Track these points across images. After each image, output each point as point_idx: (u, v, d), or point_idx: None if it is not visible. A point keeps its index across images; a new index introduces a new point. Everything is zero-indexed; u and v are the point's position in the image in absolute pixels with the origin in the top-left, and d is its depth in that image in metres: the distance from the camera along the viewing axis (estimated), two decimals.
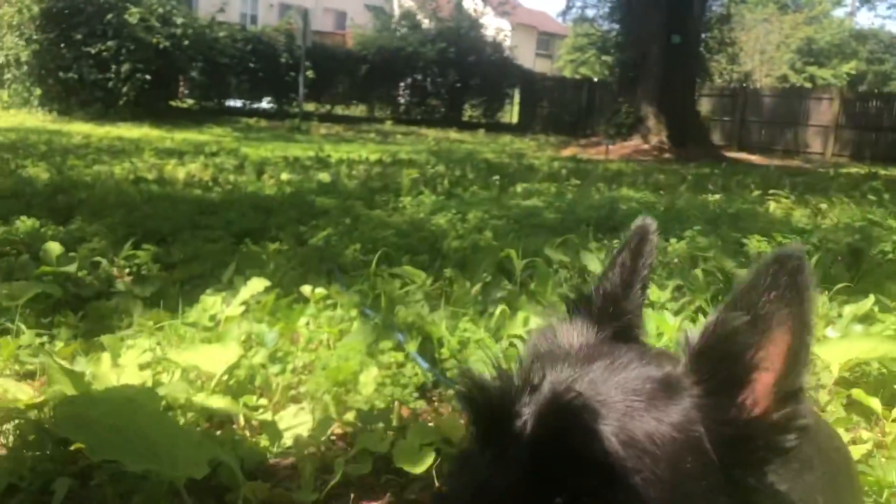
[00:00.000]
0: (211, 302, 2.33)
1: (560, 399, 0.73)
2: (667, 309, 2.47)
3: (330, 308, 2.42)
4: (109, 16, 17.86)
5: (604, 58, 29.36)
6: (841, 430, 1.70)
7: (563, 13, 32.96)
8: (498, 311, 2.23)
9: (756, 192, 8.13)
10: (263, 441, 1.62)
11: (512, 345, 2.12)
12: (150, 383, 1.75)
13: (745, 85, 33.29)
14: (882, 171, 17.44)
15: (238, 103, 24.24)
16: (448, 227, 4.21)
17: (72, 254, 3.10)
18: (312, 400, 1.75)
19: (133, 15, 18.16)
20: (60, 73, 17.68)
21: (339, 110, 27.80)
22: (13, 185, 5.20)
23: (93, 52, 17.67)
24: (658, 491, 0.71)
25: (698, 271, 2.67)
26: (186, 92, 22.52)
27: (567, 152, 18.17)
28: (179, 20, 19.06)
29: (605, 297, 0.89)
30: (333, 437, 1.70)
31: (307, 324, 2.26)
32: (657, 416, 0.73)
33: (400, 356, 1.97)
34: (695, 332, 0.77)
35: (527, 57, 48.34)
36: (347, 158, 11.18)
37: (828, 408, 1.90)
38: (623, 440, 0.71)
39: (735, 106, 26.28)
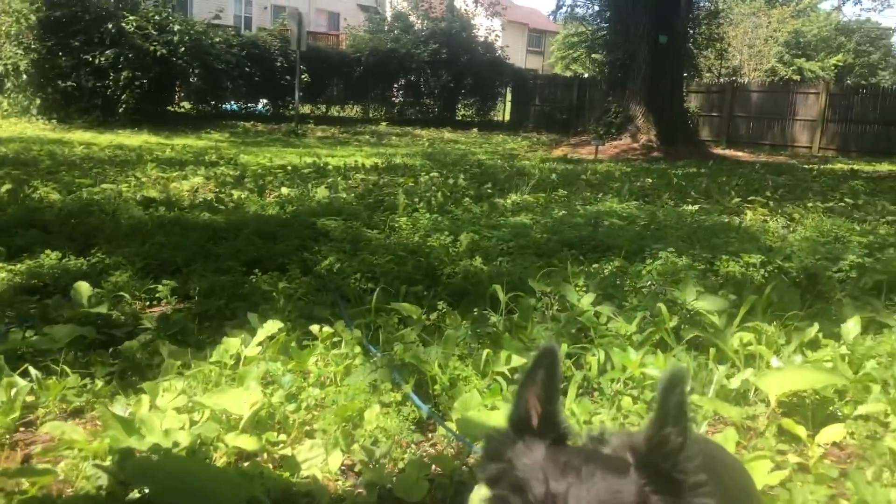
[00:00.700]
0: (232, 343, 2.64)
1: None
2: (631, 342, 2.80)
3: (336, 345, 2.74)
4: (107, 24, 18.09)
5: (593, 56, 29.67)
6: (769, 457, 2.02)
7: (554, 13, 33.13)
8: (485, 354, 2.55)
9: (736, 200, 8.47)
10: (285, 473, 1.94)
11: (496, 381, 2.44)
12: (186, 424, 2.06)
13: (733, 80, 33.57)
14: (866, 167, 17.84)
15: (235, 107, 24.52)
16: (441, 252, 4.53)
17: (97, 290, 3.41)
18: (324, 434, 2.06)
19: (130, 23, 18.40)
20: (59, 82, 17.92)
21: (335, 112, 28.10)
22: (27, 212, 5.48)
23: (91, 60, 17.90)
24: None
25: (661, 305, 2.98)
26: (183, 96, 22.78)
27: (558, 152, 18.48)
28: (176, 27, 19.30)
29: (543, 416, 1.09)
30: (343, 468, 2.02)
31: (316, 361, 2.57)
32: None
33: (398, 395, 2.29)
34: (639, 443, 1.03)
35: (518, 54, 48.61)
36: (344, 165, 11.49)
37: (765, 436, 2.22)
38: None
39: (723, 101, 26.60)
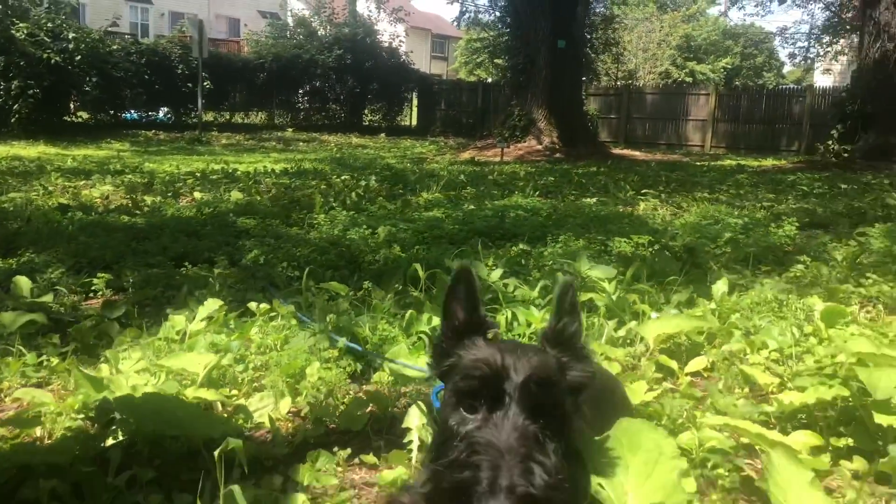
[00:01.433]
0: (177, 320, 2.89)
1: (536, 375, 1.31)
2: (535, 305, 3.22)
3: (273, 319, 3.02)
4: None
5: (496, 61, 30.49)
6: (649, 384, 2.47)
7: (457, 18, 33.80)
8: (408, 315, 2.90)
9: (631, 193, 9.13)
10: (240, 420, 2.22)
11: (420, 338, 2.79)
12: (149, 382, 2.31)
13: (629, 83, 35.06)
14: (752, 163, 19.14)
15: (135, 116, 23.96)
16: (361, 243, 4.85)
17: (33, 286, 3.56)
18: (272, 388, 2.36)
19: (21, 30, 17.81)
20: None
21: (239, 119, 27.80)
22: None
23: None
24: (567, 409, 1.36)
25: (559, 273, 3.41)
26: (79, 106, 22.10)
27: (465, 155, 18.98)
28: (71, 35, 18.78)
29: (469, 321, 1.48)
30: (291, 413, 2.32)
31: (257, 332, 2.85)
32: (558, 374, 1.39)
33: (335, 352, 2.60)
34: (549, 332, 1.48)
35: (422, 59, 49.17)
36: (254, 171, 11.58)
37: (644, 369, 2.66)
38: (559, 388, 1.36)
39: (621, 104, 27.89)
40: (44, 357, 2.67)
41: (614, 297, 3.23)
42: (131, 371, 2.40)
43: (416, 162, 15.94)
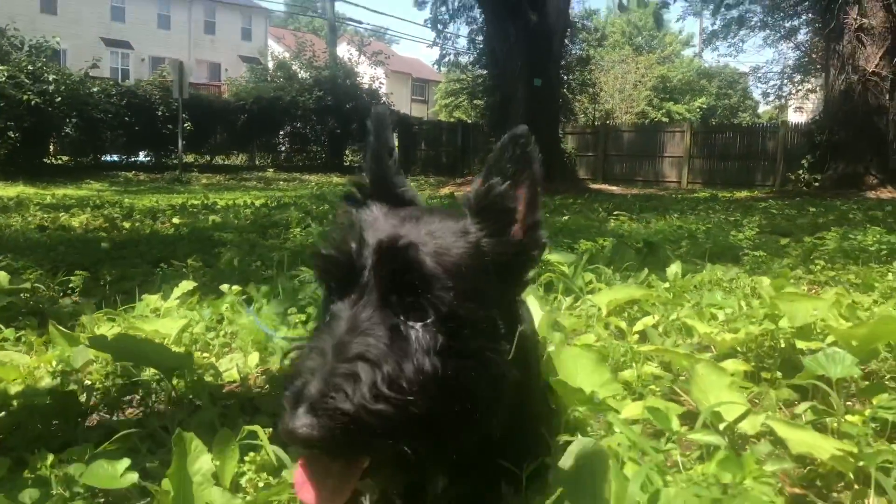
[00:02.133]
0: (151, 299, 3.01)
1: (389, 245, 1.05)
2: None
3: (245, 301, 3.15)
4: None
5: (475, 101, 31.06)
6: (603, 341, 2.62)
7: (438, 62, 34.43)
8: None
9: (603, 214, 9.36)
10: (210, 377, 2.34)
11: None
12: None
13: (606, 122, 35.73)
14: (725, 195, 19.54)
15: (115, 158, 24.05)
16: None
17: (11, 283, 3.66)
18: (241, 351, 2.47)
19: (1, 73, 18.00)
20: None
21: (220, 160, 27.98)
22: None
23: None
24: (460, 297, 1.05)
25: None
26: (59, 149, 22.17)
27: (445, 190, 19.25)
28: (51, 76, 18.98)
29: (374, 180, 1.26)
30: (259, 372, 2.44)
31: (228, 308, 2.97)
32: (458, 250, 1.10)
33: (303, 317, 2.73)
34: (472, 195, 1.19)
35: (403, 102, 49.90)
36: (234, 204, 11.72)
37: (599, 330, 2.80)
38: (437, 267, 1.05)
39: (598, 142, 28.36)
40: (22, 333, 2.77)
41: (572, 277, 3.39)
42: (109, 334, 2.51)
43: None
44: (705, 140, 26.51)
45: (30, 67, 18.78)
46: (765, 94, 44.42)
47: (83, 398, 1.96)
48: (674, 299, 3.18)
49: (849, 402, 1.97)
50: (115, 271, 4.07)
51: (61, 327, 2.31)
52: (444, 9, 30.24)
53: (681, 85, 59.36)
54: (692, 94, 58.70)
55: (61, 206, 10.90)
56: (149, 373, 2.10)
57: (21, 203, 11.48)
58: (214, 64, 45.01)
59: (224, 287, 3.20)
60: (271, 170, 26.07)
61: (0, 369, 2.09)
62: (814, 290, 3.78)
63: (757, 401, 1.90)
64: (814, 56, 32.41)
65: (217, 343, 2.60)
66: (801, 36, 32.73)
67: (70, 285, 3.83)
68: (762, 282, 3.43)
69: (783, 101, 42.47)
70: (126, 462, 1.40)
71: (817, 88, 32.89)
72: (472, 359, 1.06)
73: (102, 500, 1.43)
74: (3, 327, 2.82)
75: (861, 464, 1.39)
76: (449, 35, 32.17)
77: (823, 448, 1.42)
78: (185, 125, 21.72)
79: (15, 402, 1.88)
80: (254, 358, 2.35)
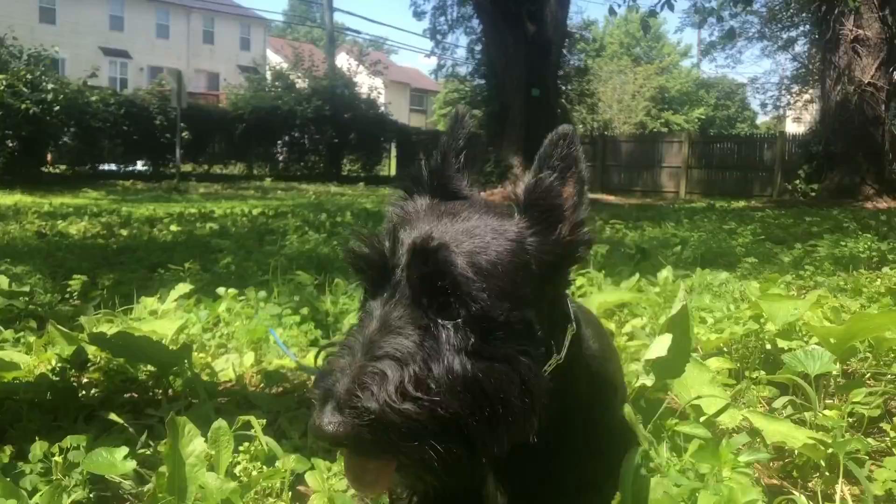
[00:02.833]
0: (149, 301, 3.06)
1: (421, 245, 1.03)
2: None
3: (241, 302, 3.19)
4: None
5: (473, 111, 31.18)
6: None
7: (436, 71, 34.61)
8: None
9: (599, 222, 9.42)
10: (206, 376, 2.38)
11: None
12: None
13: (604, 132, 35.85)
14: (723, 204, 19.62)
15: (113, 167, 24.08)
16: (332, 254, 5.04)
17: (11, 287, 3.71)
18: (237, 351, 2.52)
19: (0, 82, 18.08)
20: None
21: (218, 169, 28.00)
22: None
23: None
24: (494, 297, 1.03)
25: None
26: (56, 158, 22.19)
27: None
28: (50, 85, 19.05)
29: (433, 173, 1.26)
30: (253, 372, 2.49)
31: (225, 310, 3.02)
32: (495, 249, 1.08)
33: (297, 317, 2.78)
34: (520, 190, 1.16)
35: (401, 112, 50.04)
36: (231, 213, 11.77)
37: None
38: (470, 267, 1.03)
39: (596, 152, 28.39)
40: (21, 335, 2.82)
41: None
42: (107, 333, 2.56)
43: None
44: (703, 150, 26.58)
45: (28, 76, 18.84)
46: (763, 105, 44.68)
47: (82, 394, 2.01)
48: (664, 303, 3.23)
49: (828, 400, 2.02)
50: (113, 276, 4.12)
51: (60, 327, 2.36)
52: (442, 19, 30.44)
53: (679, 95, 59.59)
54: (690, 105, 58.92)
55: (59, 214, 10.95)
56: (146, 370, 2.15)
57: (19, 211, 11.52)
58: (213, 74, 45.15)
59: (220, 290, 3.25)
60: (269, 179, 26.10)
61: (1, 367, 2.14)
62: (802, 295, 3.84)
63: (740, 397, 1.95)
64: (811, 67, 32.60)
65: (213, 344, 2.65)
66: (799, 47, 32.92)
67: (69, 289, 3.88)
68: (751, 286, 3.48)
69: (781, 111, 42.66)
70: (124, 450, 1.45)
71: (815, 99, 33.06)
72: (504, 361, 1.04)
73: (101, 486, 1.48)
74: (2, 329, 2.87)
75: (830, 451, 1.44)
76: (448, 45, 32.37)
77: (797, 437, 1.47)
78: (183, 134, 21.78)
79: (15, 398, 1.92)
80: (249, 358, 2.40)
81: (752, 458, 1.47)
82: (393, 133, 30.79)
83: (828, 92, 19.32)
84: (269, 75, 31.63)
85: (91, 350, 2.22)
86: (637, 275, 3.64)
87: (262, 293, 3.23)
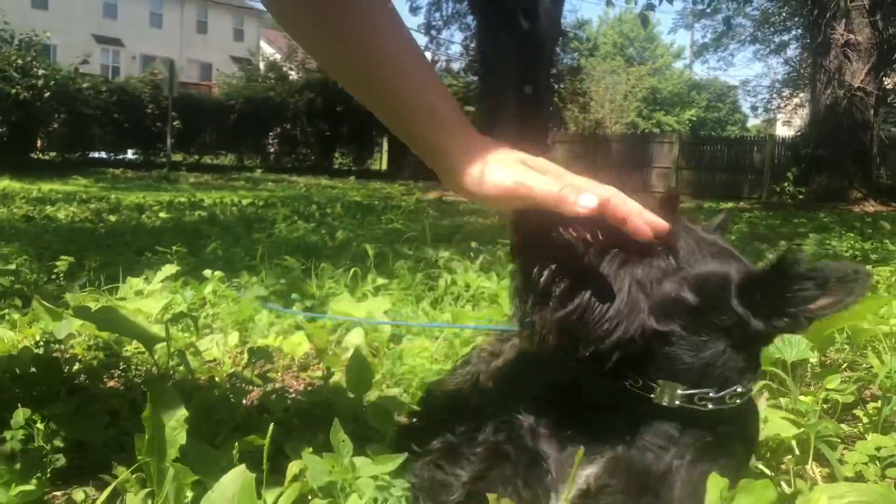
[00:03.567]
0: (135, 281, 3.06)
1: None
2: (473, 271, 3.46)
3: (228, 284, 3.21)
4: None
5: (466, 108, 31.24)
6: None
7: None
8: (352, 272, 3.11)
9: None
10: (190, 355, 2.39)
11: (364, 296, 2.99)
12: None
13: (596, 132, 35.97)
14: (711, 205, 19.73)
15: (103, 155, 23.98)
16: (320, 242, 5.06)
17: None
18: (222, 332, 2.53)
19: None
20: None
21: (208, 160, 27.94)
22: None
23: None
24: None
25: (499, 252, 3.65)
26: (46, 145, 22.08)
27: (433, 195, 19.31)
28: (41, 71, 18.95)
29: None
30: (238, 352, 2.50)
31: (211, 292, 3.03)
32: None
33: (283, 300, 2.79)
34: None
35: None
36: (220, 202, 11.74)
37: None
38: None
39: (587, 151, 28.51)
40: (5, 312, 2.81)
41: None
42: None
43: (384, 199, 16.20)
44: (694, 152, 26.70)
45: (19, 62, 18.76)
46: (753, 108, 44.87)
47: (66, 368, 2.01)
48: None
49: (805, 387, 2.06)
50: (100, 258, 4.11)
51: (45, 302, 2.36)
52: (437, 15, 30.41)
53: (671, 96, 59.86)
54: (682, 106, 59.20)
55: (48, 200, 10.89)
56: (131, 347, 2.16)
57: (7, 196, 11.46)
58: (206, 64, 44.94)
59: (207, 272, 3.26)
60: (259, 170, 26.03)
61: None
62: None
63: None
64: (802, 71, 32.80)
65: (198, 325, 2.65)
66: (791, 51, 33.09)
67: (55, 270, 3.87)
68: None
69: (772, 114, 42.88)
70: (107, 419, 1.46)
71: (805, 103, 33.26)
72: None
73: (83, 454, 1.49)
74: None
75: (801, 430, 1.48)
76: (442, 41, 32.32)
77: (772, 421, 1.50)
78: (175, 124, 21.71)
79: None
80: (234, 338, 2.41)
81: None
82: (385, 128, 30.40)
83: (818, 96, 19.45)
84: (262, 66, 31.55)
85: (76, 326, 2.22)
86: None
87: (249, 275, 3.24)
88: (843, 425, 1.79)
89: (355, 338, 2.21)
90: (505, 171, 1.09)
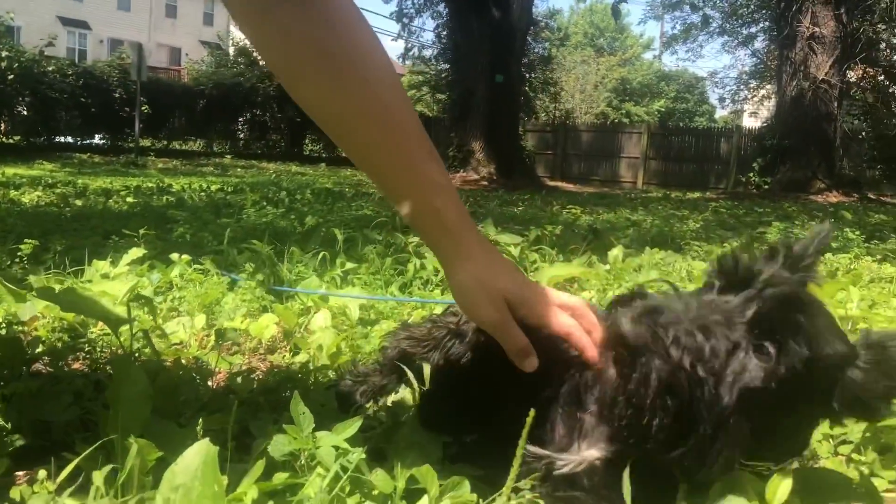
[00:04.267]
0: (100, 264, 3.04)
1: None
2: None
3: (195, 269, 3.19)
4: None
5: (437, 95, 31.17)
6: None
7: (403, 55, 34.42)
8: (320, 256, 3.12)
9: (556, 207, 9.55)
10: (155, 338, 2.39)
11: (332, 279, 3.00)
12: None
13: (566, 122, 36.12)
14: (678, 194, 19.97)
15: (69, 139, 23.54)
16: (289, 227, 5.04)
17: None
18: (189, 314, 2.53)
19: None
20: None
21: (177, 145, 27.57)
22: None
23: None
24: None
25: None
26: (10, 129, 21.62)
27: None
28: (4, 53, 18.53)
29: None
30: (204, 335, 2.50)
31: (178, 276, 3.02)
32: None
33: (253, 284, 2.79)
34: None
35: None
36: (189, 188, 11.61)
37: None
38: None
39: (557, 141, 28.67)
40: None
41: (518, 257, 3.51)
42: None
43: (355, 186, 16.14)
44: (662, 142, 26.99)
45: None
46: (721, 100, 45.29)
47: (29, 350, 2.00)
48: (613, 279, 3.32)
49: None
50: (65, 241, 4.07)
51: (8, 284, 2.33)
52: (410, 2, 30.27)
53: (640, 87, 60.30)
54: (651, 97, 59.68)
55: (11, 184, 10.69)
56: (96, 329, 2.15)
57: None
58: (175, 48, 44.29)
59: (174, 256, 3.24)
60: (229, 156, 25.77)
61: None
62: None
63: None
64: (769, 63, 33.17)
65: (164, 307, 2.65)
66: (759, 43, 33.45)
67: (19, 253, 3.82)
68: (698, 265, 3.59)
69: (739, 106, 43.35)
70: (70, 398, 1.45)
71: (771, 95, 33.66)
72: None
73: (46, 433, 1.49)
74: None
75: None
76: (415, 29, 32.19)
77: None
78: (143, 108, 21.37)
79: None
80: (200, 320, 2.41)
81: None
82: None
83: (783, 87, 19.73)
84: (231, 51, 31.16)
85: (40, 308, 2.20)
86: (589, 252, 3.73)
87: (215, 258, 3.23)
88: None
89: (322, 320, 2.22)
90: (493, 309, 1.20)
